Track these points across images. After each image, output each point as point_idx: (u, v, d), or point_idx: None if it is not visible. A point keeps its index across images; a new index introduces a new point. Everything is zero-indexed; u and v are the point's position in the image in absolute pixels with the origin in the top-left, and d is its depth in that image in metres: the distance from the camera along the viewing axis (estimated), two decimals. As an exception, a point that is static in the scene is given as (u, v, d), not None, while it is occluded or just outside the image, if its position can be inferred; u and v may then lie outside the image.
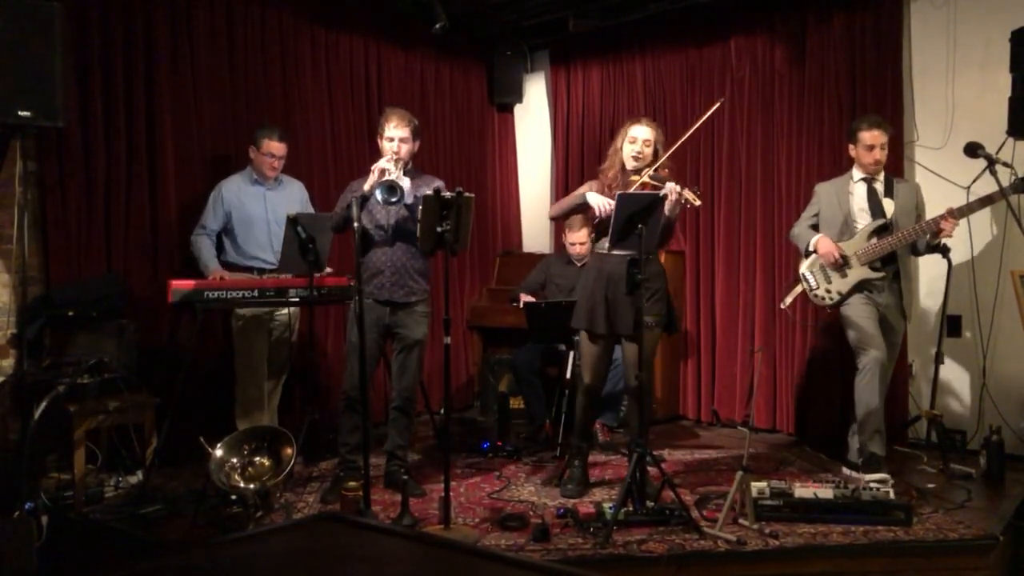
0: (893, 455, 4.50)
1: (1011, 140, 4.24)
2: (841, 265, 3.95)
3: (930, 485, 3.90)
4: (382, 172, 3.62)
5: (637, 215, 3.42)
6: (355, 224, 3.44)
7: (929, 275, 4.71)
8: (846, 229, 4.04)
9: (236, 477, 3.56)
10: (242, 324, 4.27)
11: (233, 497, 3.48)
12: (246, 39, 4.78)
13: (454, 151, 6.10)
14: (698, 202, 3.64)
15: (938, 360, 4.36)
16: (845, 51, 4.90)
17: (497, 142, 6.48)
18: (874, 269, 3.95)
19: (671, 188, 3.53)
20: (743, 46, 5.34)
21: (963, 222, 4.48)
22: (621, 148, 3.78)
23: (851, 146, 4.11)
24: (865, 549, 3.17)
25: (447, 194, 3.33)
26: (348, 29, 5.34)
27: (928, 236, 3.94)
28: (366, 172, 3.81)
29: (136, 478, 3.91)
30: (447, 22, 5.25)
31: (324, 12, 5.19)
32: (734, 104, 5.39)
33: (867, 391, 3.89)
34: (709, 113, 3.87)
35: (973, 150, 3.95)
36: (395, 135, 3.75)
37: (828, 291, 4.02)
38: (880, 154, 3.98)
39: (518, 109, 6.57)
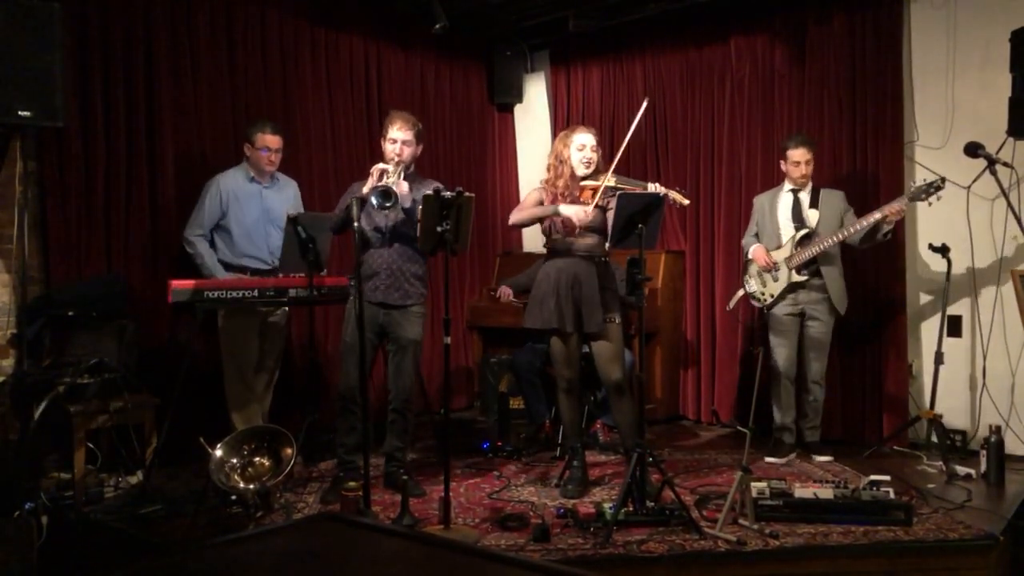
0: (893, 455, 4.52)
1: (1011, 140, 4.23)
2: (773, 271, 4.40)
3: (930, 485, 3.90)
4: (381, 173, 3.63)
5: (637, 215, 3.44)
6: (355, 224, 3.42)
7: (929, 275, 4.72)
8: (774, 237, 4.46)
9: (236, 477, 3.56)
10: (231, 322, 4.20)
11: (233, 497, 3.48)
12: (246, 39, 4.78)
13: (454, 151, 6.09)
14: (686, 201, 3.67)
15: (938, 360, 4.38)
16: (845, 51, 4.90)
17: (497, 142, 6.47)
18: (800, 273, 4.34)
19: (657, 188, 3.55)
20: (743, 46, 5.34)
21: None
22: (569, 157, 3.79)
23: (781, 161, 4.47)
24: (865, 549, 3.17)
25: (447, 194, 3.33)
26: (348, 29, 5.34)
27: (861, 235, 4.22)
28: (366, 172, 3.81)
29: (136, 478, 3.90)
30: (447, 22, 5.25)
31: (324, 12, 5.18)
32: (734, 104, 5.38)
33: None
34: (640, 114, 3.63)
35: (973, 150, 3.98)
36: (397, 137, 3.77)
37: (763, 293, 4.46)
38: (806, 168, 4.40)
39: (518, 109, 6.56)
